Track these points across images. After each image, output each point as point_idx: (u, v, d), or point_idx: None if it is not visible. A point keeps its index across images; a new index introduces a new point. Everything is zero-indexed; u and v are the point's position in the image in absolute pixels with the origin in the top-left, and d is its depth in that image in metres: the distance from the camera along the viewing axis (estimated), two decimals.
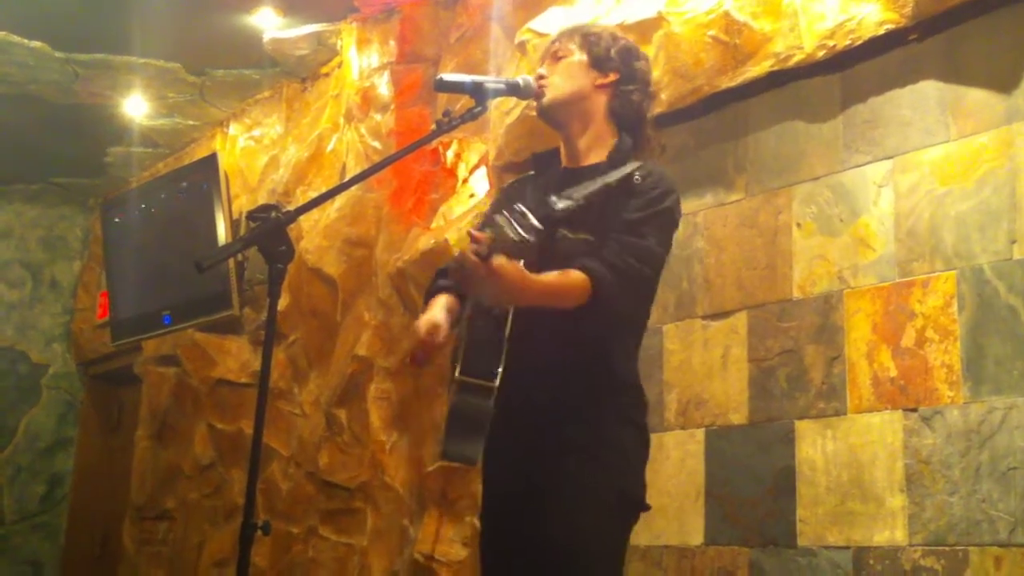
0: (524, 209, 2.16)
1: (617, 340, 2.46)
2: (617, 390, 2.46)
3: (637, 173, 2.42)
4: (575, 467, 2.36)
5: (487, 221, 2.45)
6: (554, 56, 2.60)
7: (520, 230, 2.12)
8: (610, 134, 2.56)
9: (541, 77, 2.58)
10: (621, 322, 2.44)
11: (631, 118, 2.57)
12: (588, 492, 2.36)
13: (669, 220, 2.48)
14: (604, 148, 2.55)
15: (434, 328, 2.39)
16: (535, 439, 2.38)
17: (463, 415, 2.31)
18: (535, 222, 2.14)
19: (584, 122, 2.56)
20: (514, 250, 2.14)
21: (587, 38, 2.59)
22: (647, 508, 2.45)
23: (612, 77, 2.56)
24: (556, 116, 2.58)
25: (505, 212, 2.16)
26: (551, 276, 2.29)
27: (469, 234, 2.20)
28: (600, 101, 2.56)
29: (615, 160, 2.49)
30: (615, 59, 2.57)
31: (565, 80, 2.56)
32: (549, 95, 2.56)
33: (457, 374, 2.31)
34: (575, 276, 2.29)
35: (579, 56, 2.57)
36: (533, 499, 2.36)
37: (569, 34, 2.64)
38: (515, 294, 2.24)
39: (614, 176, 2.40)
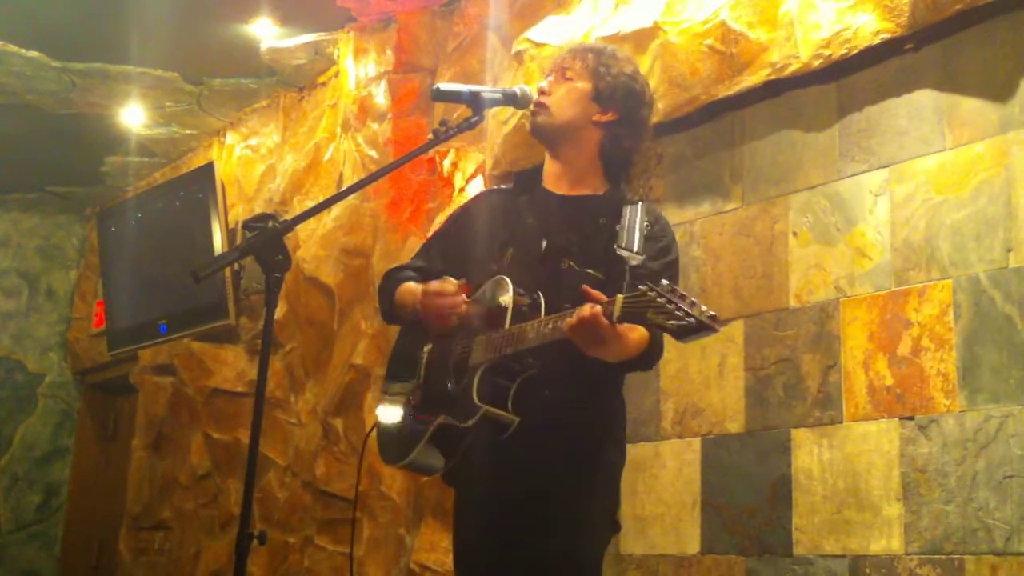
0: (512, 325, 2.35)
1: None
2: (614, 412, 2.52)
3: (646, 218, 2.44)
4: (575, 484, 2.39)
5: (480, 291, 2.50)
6: (561, 72, 2.57)
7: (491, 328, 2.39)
8: (598, 168, 2.56)
9: (543, 92, 2.56)
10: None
11: (618, 160, 2.57)
12: (586, 510, 2.40)
13: (678, 271, 2.53)
14: (593, 179, 2.56)
15: (446, 282, 2.46)
16: (535, 455, 2.37)
17: (442, 433, 2.39)
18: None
19: (574, 150, 2.55)
20: (481, 325, 2.41)
21: (598, 67, 2.54)
22: (619, 528, 2.54)
23: (610, 116, 2.54)
24: (547, 138, 2.58)
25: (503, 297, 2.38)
26: (639, 335, 2.28)
27: (588, 292, 2.17)
28: (593, 136, 2.55)
29: (614, 201, 2.50)
30: (618, 100, 2.53)
31: (565, 106, 2.53)
32: (544, 117, 2.54)
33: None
34: (643, 333, 2.29)
35: (584, 83, 2.53)
36: (529, 514, 2.37)
37: (582, 54, 2.59)
38: (612, 352, 2.25)
39: (636, 222, 2.42)
